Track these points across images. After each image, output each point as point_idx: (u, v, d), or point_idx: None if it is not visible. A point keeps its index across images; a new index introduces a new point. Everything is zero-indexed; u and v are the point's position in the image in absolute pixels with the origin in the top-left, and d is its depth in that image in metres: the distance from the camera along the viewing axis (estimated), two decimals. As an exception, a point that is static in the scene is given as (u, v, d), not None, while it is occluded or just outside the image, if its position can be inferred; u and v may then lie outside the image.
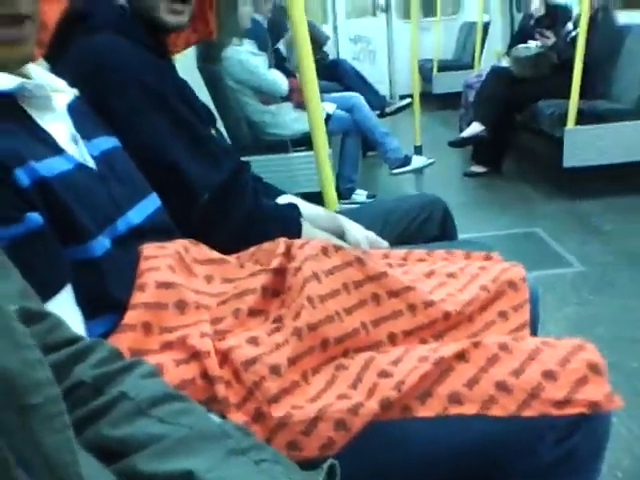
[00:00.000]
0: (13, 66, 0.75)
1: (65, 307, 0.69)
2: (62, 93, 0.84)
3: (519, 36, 4.35)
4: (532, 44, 3.76)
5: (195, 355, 0.70)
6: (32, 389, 0.42)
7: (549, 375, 0.67)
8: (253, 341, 0.71)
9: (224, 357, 0.70)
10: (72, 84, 0.89)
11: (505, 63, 4.03)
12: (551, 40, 3.81)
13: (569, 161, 3.23)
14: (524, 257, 1.02)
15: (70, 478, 0.41)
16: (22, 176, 0.68)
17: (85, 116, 0.87)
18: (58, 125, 0.80)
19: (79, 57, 1.01)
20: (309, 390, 0.71)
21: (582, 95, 3.17)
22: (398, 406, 0.68)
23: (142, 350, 0.71)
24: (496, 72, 3.89)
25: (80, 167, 0.78)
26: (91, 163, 0.82)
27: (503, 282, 0.89)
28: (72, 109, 0.85)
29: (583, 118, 3.20)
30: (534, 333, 0.94)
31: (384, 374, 0.70)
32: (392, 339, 0.80)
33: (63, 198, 0.72)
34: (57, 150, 0.77)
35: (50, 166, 0.73)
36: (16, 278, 0.56)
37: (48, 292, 0.67)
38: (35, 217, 0.68)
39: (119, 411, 0.56)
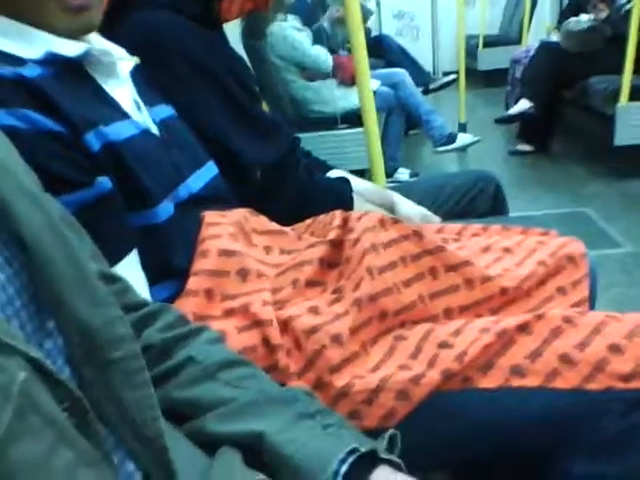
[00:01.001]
0: (79, 33, 0.76)
1: (131, 272, 0.70)
2: (125, 61, 0.85)
3: (570, 9, 4.20)
4: (584, 17, 3.63)
5: (257, 323, 0.70)
6: (113, 344, 0.43)
7: (615, 348, 0.65)
8: (313, 310, 0.72)
9: (285, 326, 0.70)
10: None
11: (555, 38, 3.91)
12: (604, 13, 3.67)
13: (621, 139, 3.12)
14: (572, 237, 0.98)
15: (150, 434, 0.42)
16: (92, 140, 0.69)
17: (144, 84, 0.88)
18: (122, 91, 0.81)
19: (131, 32, 1.01)
20: (369, 360, 0.71)
21: (636, 70, 3.05)
22: (459, 377, 0.67)
23: (205, 316, 0.72)
24: (546, 47, 3.76)
25: (145, 133, 0.79)
26: (154, 129, 0.83)
27: (562, 257, 0.87)
28: (134, 76, 0.86)
29: (636, 94, 3.09)
30: (592, 310, 0.92)
31: (444, 345, 0.69)
32: (448, 314, 0.80)
33: (130, 163, 0.72)
34: (123, 115, 0.77)
35: (118, 130, 0.73)
36: (88, 240, 0.57)
37: (115, 257, 0.68)
38: (105, 181, 0.69)
39: (187, 374, 0.57)
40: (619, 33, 3.33)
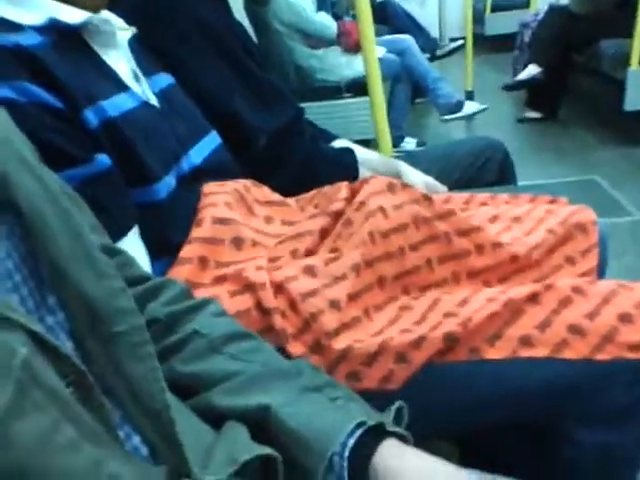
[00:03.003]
0: (96, 9, 0.75)
1: (133, 248, 0.70)
2: (123, 30, 0.83)
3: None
4: (595, -21, 3.54)
5: (249, 286, 0.69)
6: (116, 317, 0.42)
7: (625, 318, 0.65)
8: (309, 271, 0.70)
9: (279, 288, 0.69)
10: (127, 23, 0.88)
11: (564, 0, 3.82)
12: (615, -26, 3.57)
13: (631, 104, 3.06)
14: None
15: (156, 406, 0.42)
16: (91, 116, 0.68)
17: (142, 53, 0.87)
18: (121, 61, 0.80)
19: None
20: (372, 326, 0.70)
21: (647, 34, 2.99)
22: (466, 347, 0.66)
23: (198, 283, 0.71)
24: (555, 10, 3.68)
25: (144, 105, 0.78)
26: (154, 100, 0.81)
27: (572, 225, 0.86)
28: (132, 46, 0.84)
29: (648, 58, 3.03)
30: (601, 278, 0.91)
31: (450, 314, 0.69)
32: (456, 278, 0.79)
33: (130, 138, 0.71)
34: (122, 87, 0.76)
35: (117, 104, 0.72)
36: (88, 213, 0.56)
37: (117, 233, 0.67)
38: (104, 158, 0.68)
39: (192, 348, 0.57)
40: (630, -5, 3.25)
